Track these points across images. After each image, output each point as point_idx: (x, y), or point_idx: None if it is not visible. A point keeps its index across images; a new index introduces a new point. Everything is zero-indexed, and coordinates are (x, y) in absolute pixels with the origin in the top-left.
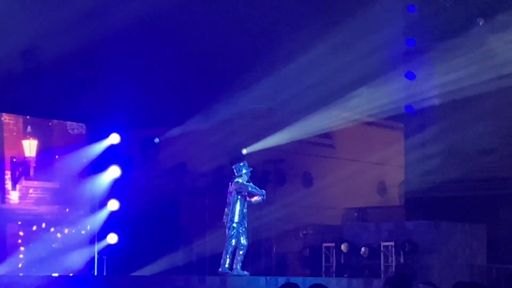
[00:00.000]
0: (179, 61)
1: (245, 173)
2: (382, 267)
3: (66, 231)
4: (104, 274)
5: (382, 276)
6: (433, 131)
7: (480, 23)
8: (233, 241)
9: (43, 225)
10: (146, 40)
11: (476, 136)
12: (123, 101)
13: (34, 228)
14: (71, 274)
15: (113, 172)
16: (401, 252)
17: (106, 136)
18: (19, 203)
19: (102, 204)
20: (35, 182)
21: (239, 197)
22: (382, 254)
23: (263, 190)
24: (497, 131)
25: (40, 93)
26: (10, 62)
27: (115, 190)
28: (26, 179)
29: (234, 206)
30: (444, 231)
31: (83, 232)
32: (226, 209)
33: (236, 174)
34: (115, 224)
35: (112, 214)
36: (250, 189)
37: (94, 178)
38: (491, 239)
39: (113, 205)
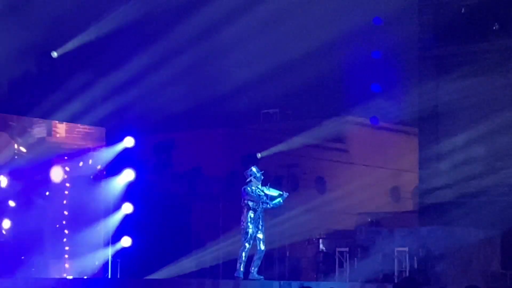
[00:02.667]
0: (193, 66)
1: (257, 178)
2: (396, 273)
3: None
4: (118, 277)
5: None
6: (447, 136)
7: (495, 28)
8: (246, 247)
9: (90, 161)
10: (162, 45)
11: (490, 140)
12: (138, 104)
13: (81, 164)
14: (85, 277)
15: (128, 175)
16: (415, 258)
17: (122, 139)
18: (66, 137)
19: (117, 207)
20: None
21: (247, 203)
22: (396, 259)
23: (264, 197)
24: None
25: (57, 98)
26: (27, 66)
27: (129, 193)
28: None
29: (244, 213)
30: (458, 237)
31: None
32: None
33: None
34: (129, 227)
35: (126, 217)
36: (249, 197)
37: (108, 181)
38: (506, 245)
39: (127, 208)
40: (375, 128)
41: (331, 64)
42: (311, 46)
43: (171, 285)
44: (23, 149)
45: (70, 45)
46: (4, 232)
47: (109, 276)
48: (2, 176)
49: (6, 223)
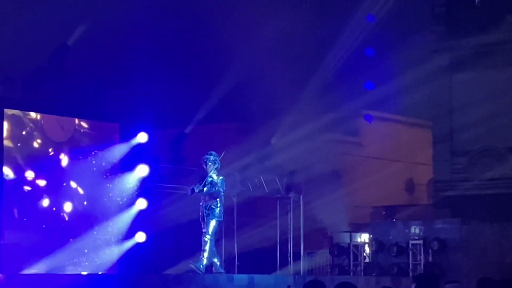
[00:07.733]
0: (203, 63)
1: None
2: (410, 265)
3: None
4: (133, 272)
5: (410, 275)
6: (461, 128)
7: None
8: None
9: (104, 157)
10: (174, 41)
11: (506, 133)
12: (151, 100)
13: (94, 160)
14: (100, 273)
15: (141, 170)
16: (430, 251)
17: (135, 135)
18: None
19: (131, 203)
20: None
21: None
22: (410, 252)
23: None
24: None
25: (69, 93)
26: (42, 63)
27: (143, 189)
28: None
29: (222, 204)
30: (473, 230)
31: None
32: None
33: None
34: (143, 222)
35: (140, 212)
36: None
37: (122, 177)
38: None
39: (141, 204)
40: (388, 121)
41: (344, 56)
42: (324, 38)
43: (185, 280)
44: (84, 124)
45: (83, 40)
46: (65, 216)
47: (124, 272)
48: (62, 154)
49: (68, 206)
